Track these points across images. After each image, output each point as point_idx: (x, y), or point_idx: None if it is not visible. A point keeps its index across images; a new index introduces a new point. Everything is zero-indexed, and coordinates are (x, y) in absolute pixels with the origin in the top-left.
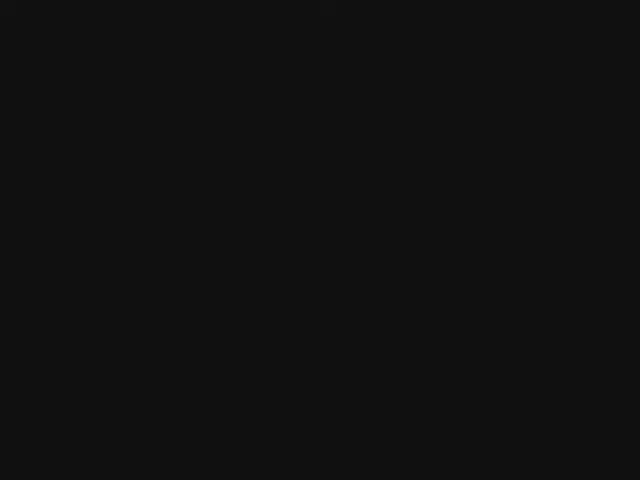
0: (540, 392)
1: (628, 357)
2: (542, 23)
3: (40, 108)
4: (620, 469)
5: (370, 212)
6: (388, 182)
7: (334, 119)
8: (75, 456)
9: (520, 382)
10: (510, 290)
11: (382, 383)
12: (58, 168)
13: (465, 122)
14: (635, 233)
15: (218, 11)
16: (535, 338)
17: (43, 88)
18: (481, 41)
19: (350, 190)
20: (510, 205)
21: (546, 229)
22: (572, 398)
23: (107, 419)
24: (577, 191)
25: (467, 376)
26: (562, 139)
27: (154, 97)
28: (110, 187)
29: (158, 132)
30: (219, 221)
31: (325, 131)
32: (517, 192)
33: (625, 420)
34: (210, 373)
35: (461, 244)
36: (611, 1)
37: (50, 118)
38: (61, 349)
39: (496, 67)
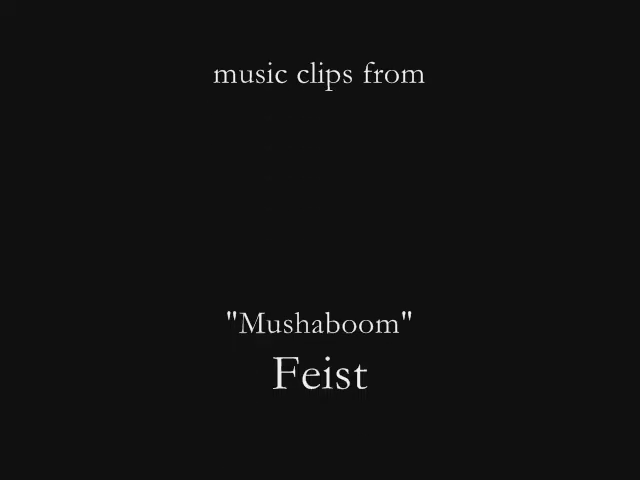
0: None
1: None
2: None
3: (40, 106)
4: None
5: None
6: (386, 181)
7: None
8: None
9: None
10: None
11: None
12: (56, 165)
13: (463, 122)
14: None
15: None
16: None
17: (43, 87)
18: (480, 42)
19: (348, 188)
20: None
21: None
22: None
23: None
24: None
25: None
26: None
27: (153, 96)
28: (110, 185)
29: (157, 131)
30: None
31: (324, 129)
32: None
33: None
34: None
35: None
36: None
37: (49, 116)
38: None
39: (494, 67)
